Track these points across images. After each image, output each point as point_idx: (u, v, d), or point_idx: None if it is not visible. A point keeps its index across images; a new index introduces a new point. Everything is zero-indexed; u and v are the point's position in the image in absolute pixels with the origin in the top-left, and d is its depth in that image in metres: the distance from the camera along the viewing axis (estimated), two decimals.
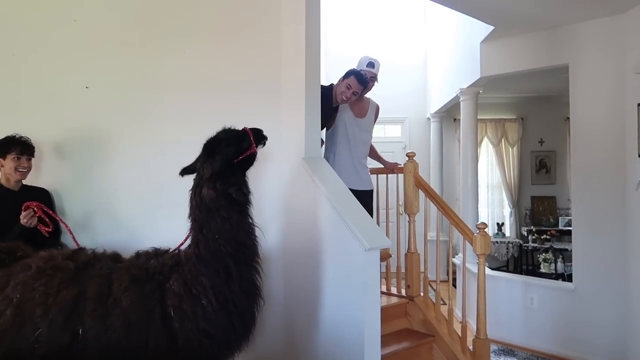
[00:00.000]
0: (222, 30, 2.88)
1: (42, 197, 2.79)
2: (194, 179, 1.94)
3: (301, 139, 2.70)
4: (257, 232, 2.00)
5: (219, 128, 2.04)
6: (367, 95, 3.63)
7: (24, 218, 2.52)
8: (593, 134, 4.17)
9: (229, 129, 2.00)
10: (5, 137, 2.70)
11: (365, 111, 3.58)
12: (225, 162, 1.90)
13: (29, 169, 2.76)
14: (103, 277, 1.84)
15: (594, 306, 4.09)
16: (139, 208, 2.87)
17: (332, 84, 3.38)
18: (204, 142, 1.97)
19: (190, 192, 1.92)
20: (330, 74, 7.57)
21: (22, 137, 2.73)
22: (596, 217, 4.12)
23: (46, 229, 2.51)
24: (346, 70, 3.34)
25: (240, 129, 2.02)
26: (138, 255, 1.99)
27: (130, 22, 2.96)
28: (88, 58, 2.97)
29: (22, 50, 3.05)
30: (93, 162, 2.98)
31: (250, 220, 1.97)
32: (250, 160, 2.02)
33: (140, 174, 2.89)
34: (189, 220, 1.91)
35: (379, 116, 3.68)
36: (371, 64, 3.53)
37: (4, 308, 1.84)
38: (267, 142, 2.70)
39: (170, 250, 2.00)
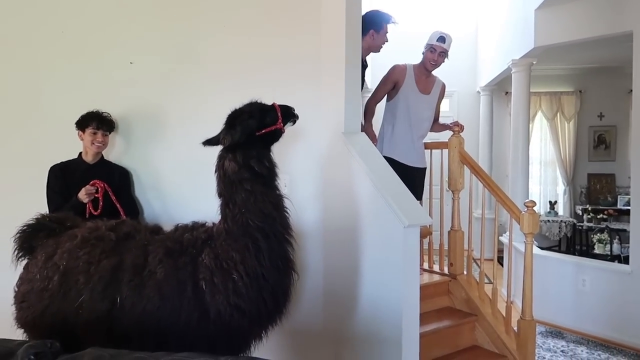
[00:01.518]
0: (262, 6, 2.83)
1: (118, 175, 2.91)
2: (219, 152, 1.93)
3: (341, 114, 2.64)
4: (288, 205, 1.97)
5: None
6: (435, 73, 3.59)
7: (83, 193, 2.64)
8: None
9: (255, 102, 1.97)
10: (88, 112, 2.83)
11: (431, 88, 3.54)
12: (246, 134, 1.86)
13: (105, 144, 2.88)
14: (140, 249, 1.88)
15: None
16: (190, 182, 2.91)
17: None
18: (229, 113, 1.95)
19: (215, 165, 1.91)
20: None
21: (101, 112, 2.84)
22: None
23: (94, 212, 2.62)
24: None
25: (270, 104, 1.98)
26: (176, 228, 2.02)
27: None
28: (130, 33, 3.01)
29: (69, 28, 3.12)
30: (142, 137, 3.04)
31: (278, 192, 1.93)
32: (276, 136, 1.98)
33: (190, 148, 2.92)
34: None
35: None
36: (442, 39, 3.45)
37: (52, 274, 1.94)
38: (305, 118, 2.69)
39: (206, 224, 2.01)
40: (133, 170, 3.03)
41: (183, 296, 1.81)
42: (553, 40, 4.57)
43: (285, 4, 2.77)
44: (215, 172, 1.91)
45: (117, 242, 1.92)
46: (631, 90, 4.09)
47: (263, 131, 1.91)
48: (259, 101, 1.98)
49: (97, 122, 2.80)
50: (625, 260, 4.71)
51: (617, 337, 4.03)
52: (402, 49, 4.28)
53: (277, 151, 2.69)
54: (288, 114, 2.00)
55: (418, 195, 3.49)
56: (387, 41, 3.32)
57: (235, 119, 1.90)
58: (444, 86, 3.61)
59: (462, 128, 3.46)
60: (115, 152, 3.06)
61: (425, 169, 3.53)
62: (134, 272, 1.84)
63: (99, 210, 2.64)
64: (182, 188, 2.92)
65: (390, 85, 3.49)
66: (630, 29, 4.00)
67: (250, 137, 1.88)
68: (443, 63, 3.51)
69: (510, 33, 5.54)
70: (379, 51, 3.35)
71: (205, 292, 1.81)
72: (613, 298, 4.09)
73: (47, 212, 2.48)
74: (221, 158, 1.90)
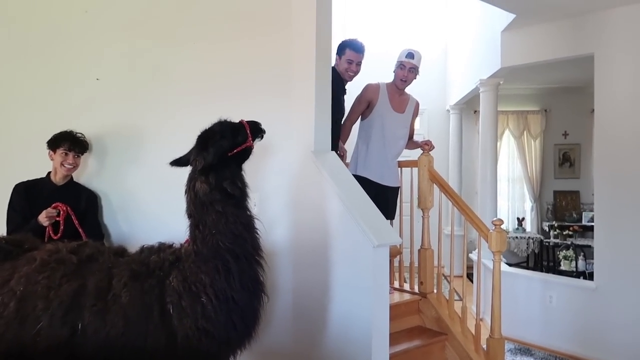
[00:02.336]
0: (233, 23, 2.83)
1: (86, 199, 2.82)
2: (189, 173, 1.90)
3: (311, 132, 2.64)
4: (259, 226, 1.95)
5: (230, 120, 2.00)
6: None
7: (44, 216, 2.55)
8: (618, 127, 4.01)
9: (225, 121, 1.95)
10: (61, 132, 2.74)
11: (405, 106, 3.55)
12: (219, 156, 1.84)
13: (76, 166, 2.79)
14: (104, 272, 1.82)
15: (615, 306, 3.95)
16: (162, 203, 2.84)
17: (333, 67, 3.27)
18: (198, 134, 1.92)
19: (185, 186, 1.88)
20: None
21: (75, 133, 2.76)
22: (619, 213, 3.97)
23: (54, 235, 2.53)
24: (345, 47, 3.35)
25: (238, 121, 1.96)
26: (142, 250, 1.97)
27: (139, 14, 2.93)
28: (98, 50, 2.97)
29: (33, 43, 3.06)
30: (113, 156, 2.98)
31: (249, 213, 1.92)
32: (246, 153, 1.96)
33: (161, 168, 2.87)
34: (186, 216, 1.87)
35: None
36: (410, 55, 3.47)
37: (8, 300, 1.85)
38: (275, 136, 2.69)
39: (174, 245, 1.97)
40: (103, 191, 2.96)
41: (149, 321, 1.76)
42: (518, 61, 4.71)
43: (255, 21, 2.78)
44: (186, 193, 1.88)
45: (79, 265, 1.86)
46: (593, 110, 4.24)
47: (235, 151, 1.89)
48: (227, 120, 1.96)
49: (69, 143, 2.72)
50: (590, 276, 4.83)
51: (584, 353, 4.11)
52: (373, 70, 4.31)
53: (247, 169, 2.69)
54: (256, 130, 1.99)
55: (391, 214, 3.51)
56: (350, 68, 3.28)
57: (207, 140, 1.87)
58: (417, 104, 3.64)
59: (431, 147, 3.51)
60: (86, 173, 2.98)
61: (398, 188, 3.57)
62: (97, 297, 1.78)
63: (59, 234, 2.55)
64: (153, 209, 2.86)
65: (365, 104, 3.51)
66: (592, 52, 4.16)
67: (223, 157, 1.86)
68: (414, 80, 3.52)
69: (478, 54, 5.69)
70: (349, 79, 3.35)
71: (173, 316, 1.77)
72: (579, 314, 4.17)
73: (5, 233, 2.39)
74: (192, 179, 1.87)
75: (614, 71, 4.03)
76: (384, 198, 3.37)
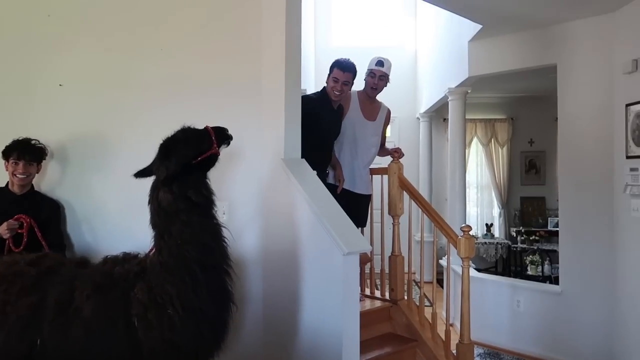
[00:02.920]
0: (202, 29, 2.79)
1: (47, 209, 2.70)
2: (152, 183, 1.86)
3: (281, 140, 2.63)
4: (227, 234, 1.92)
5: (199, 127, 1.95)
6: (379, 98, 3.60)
7: (4, 228, 2.45)
8: (581, 134, 4.13)
9: (188, 127, 1.90)
10: (13, 141, 2.62)
11: (376, 114, 3.54)
12: (182, 164, 1.80)
13: (29, 174, 2.65)
14: (65, 285, 1.76)
15: (580, 309, 4.05)
16: (128, 213, 2.75)
17: (324, 87, 3.30)
18: (161, 142, 1.88)
19: (148, 196, 1.83)
20: (319, 73, 7.52)
21: (28, 141, 2.63)
22: (583, 218, 4.08)
23: (15, 248, 2.43)
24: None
25: (203, 127, 1.93)
26: (105, 261, 1.91)
27: (104, 17, 2.87)
28: (61, 55, 2.88)
29: None
30: (77, 165, 2.88)
31: (215, 222, 1.88)
32: (212, 161, 1.93)
33: (127, 178, 2.79)
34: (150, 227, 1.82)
35: None
36: (380, 62, 3.47)
37: None
38: (245, 143, 2.66)
39: (139, 255, 1.92)
40: (66, 200, 2.86)
41: (113, 334, 1.71)
42: (485, 71, 4.81)
43: (224, 28, 2.76)
44: (149, 203, 1.83)
45: (38, 277, 1.79)
46: (557, 118, 4.36)
47: (199, 158, 1.85)
48: (191, 126, 1.92)
49: (17, 152, 2.59)
50: (555, 280, 4.94)
51: (551, 356, 4.19)
52: None
53: (216, 177, 2.65)
54: (222, 136, 1.95)
55: (363, 221, 3.51)
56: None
57: (169, 148, 1.83)
58: (389, 112, 3.64)
59: (401, 154, 3.54)
60: (48, 181, 2.88)
61: (370, 195, 3.56)
62: (58, 311, 1.72)
63: (20, 247, 2.44)
64: (118, 218, 2.77)
65: None
66: (555, 62, 4.29)
67: (186, 165, 1.82)
68: (385, 87, 3.52)
69: (447, 63, 5.79)
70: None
71: (138, 329, 1.72)
72: (545, 318, 4.26)
73: None
74: (155, 189, 1.82)
75: (576, 81, 4.16)
76: (356, 206, 3.37)
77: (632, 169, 3.60)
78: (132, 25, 2.84)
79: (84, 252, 2.74)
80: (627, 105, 3.68)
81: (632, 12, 3.68)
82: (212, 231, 1.83)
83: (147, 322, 1.70)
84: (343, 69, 3.19)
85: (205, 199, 1.84)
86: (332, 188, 3.06)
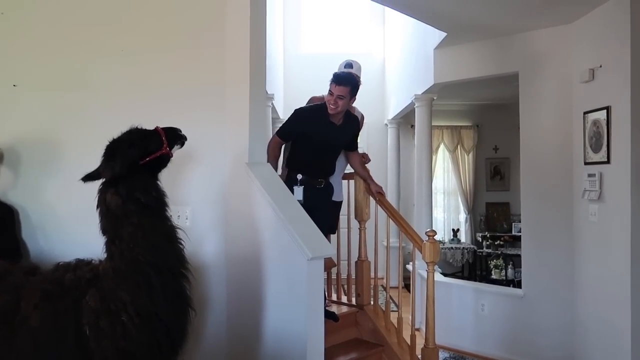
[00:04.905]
0: (163, 31, 2.73)
1: (1, 214, 2.57)
2: (99, 186, 1.79)
3: (245, 144, 2.59)
4: (186, 238, 1.86)
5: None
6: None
7: None
8: (541, 142, 4.24)
9: (135, 128, 1.86)
10: None
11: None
12: (127, 165, 1.75)
13: None
14: (11, 293, 1.67)
15: (541, 312, 4.13)
16: (85, 219, 2.65)
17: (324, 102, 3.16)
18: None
19: (96, 200, 1.77)
20: (288, 78, 7.51)
21: None
22: (544, 224, 4.18)
23: None
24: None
25: (153, 128, 1.88)
26: (56, 267, 1.83)
27: (61, 16, 2.77)
28: (15, 54, 2.77)
29: None
30: (32, 169, 2.75)
31: (169, 224, 1.83)
32: (163, 162, 1.88)
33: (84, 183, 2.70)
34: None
35: None
36: (349, 65, 3.42)
37: None
38: (207, 147, 2.61)
39: (93, 261, 1.84)
40: (21, 206, 2.73)
41: (63, 345, 1.63)
42: (450, 78, 4.89)
43: (187, 28, 2.70)
44: (97, 207, 1.76)
45: None
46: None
47: (147, 159, 1.79)
48: (139, 127, 1.87)
49: None
50: (519, 284, 5.04)
51: (514, 358, 4.26)
52: (313, 86, 4.32)
53: (178, 182, 2.59)
54: (174, 137, 1.91)
55: (333, 228, 3.47)
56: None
57: (114, 149, 1.78)
58: (362, 118, 3.57)
59: (368, 159, 3.53)
60: (0, 186, 2.75)
61: (341, 202, 3.52)
62: (3, 320, 1.63)
63: None
64: (74, 224, 2.66)
65: None
66: (516, 70, 4.39)
67: (133, 166, 1.76)
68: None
69: (413, 70, 5.86)
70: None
71: (90, 338, 1.65)
72: (508, 321, 4.33)
73: None
74: (102, 192, 1.76)
75: (537, 89, 4.26)
76: (334, 213, 3.35)
77: (589, 175, 3.71)
78: (90, 26, 2.75)
79: (39, 259, 2.62)
80: (585, 113, 3.79)
81: (589, 24, 3.80)
82: (165, 233, 1.77)
83: (99, 330, 1.63)
84: (337, 82, 3.01)
85: (155, 200, 1.78)
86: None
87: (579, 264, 3.91)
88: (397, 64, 6.98)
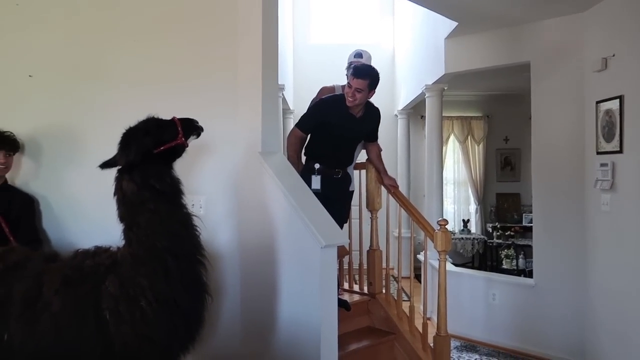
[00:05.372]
0: (177, 20, 2.75)
1: (20, 203, 2.62)
2: (115, 173, 1.82)
3: (258, 133, 2.61)
4: (200, 225, 1.88)
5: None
6: None
7: None
8: (553, 131, 4.21)
9: (152, 117, 1.88)
10: None
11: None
12: (142, 153, 1.77)
13: (7, 165, 2.59)
14: (33, 279, 1.71)
15: (553, 302, 4.13)
16: (107, 207, 2.69)
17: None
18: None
19: (113, 187, 1.80)
20: (298, 69, 7.51)
21: (3, 131, 2.56)
22: (556, 213, 4.16)
23: None
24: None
25: (170, 118, 1.90)
26: (75, 254, 1.86)
27: (76, 7, 2.80)
28: (31, 45, 2.80)
29: None
30: (52, 158, 2.80)
31: (185, 211, 1.85)
32: (177, 151, 1.90)
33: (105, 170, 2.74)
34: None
35: None
36: (359, 54, 3.42)
37: None
38: (221, 137, 2.63)
39: (111, 248, 1.87)
40: (41, 195, 2.77)
41: (84, 329, 1.66)
42: (461, 68, 4.87)
43: (199, 17, 2.72)
44: (114, 195, 1.79)
45: (4, 272, 1.73)
46: (531, 117, 4.44)
47: (162, 148, 1.82)
48: (156, 116, 1.89)
49: None
50: (530, 274, 5.03)
51: (524, 348, 4.27)
52: (322, 77, 4.32)
53: (192, 171, 2.61)
54: (190, 127, 1.93)
55: (345, 218, 3.48)
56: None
57: (130, 137, 1.81)
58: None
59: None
60: (22, 175, 2.79)
61: (352, 192, 3.53)
62: (25, 306, 1.66)
63: None
64: (94, 212, 2.69)
65: None
66: (528, 60, 4.36)
67: (148, 155, 1.79)
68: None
69: (424, 60, 5.84)
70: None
71: (110, 324, 1.68)
72: (519, 310, 4.34)
73: None
74: (118, 180, 1.79)
75: (548, 79, 4.23)
76: (346, 202, 3.37)
77: (602, 165, 3.69)
78: (105, 16, 2.77)
79: (60, 247, 2.67)
80: (597, 102, 3.76)
81: (601, 12, 3.76)
82: (181, 220, 1.80)
83: (118, 315, 1.66)
84: (356, 74, 2.97)
85: (169, 187, 1.80)
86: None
87: (590, 253, 3.90)
88: (407, 55, 6.95)
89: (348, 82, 3.04)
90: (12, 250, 1.88)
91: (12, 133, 2.60)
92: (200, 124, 2.02)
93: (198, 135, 1.97)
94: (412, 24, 6.56)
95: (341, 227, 3.19)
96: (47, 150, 2.81)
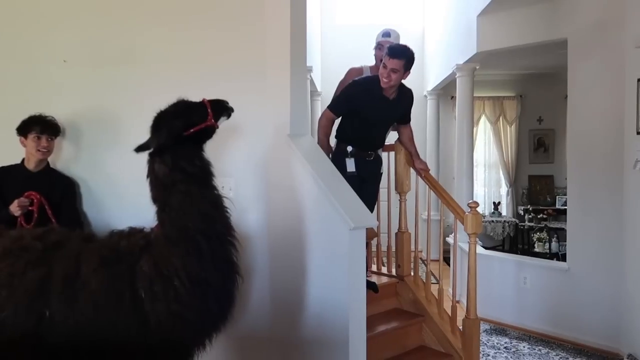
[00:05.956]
0: (206, 4, 2.75)
1: (62, 186, 2.71)
2: (148, 157, 1.85)
3: (286, 115, 2.61)
4: (229, 205, 1.90)
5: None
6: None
7: (15, 205, 2.46)
8: (591, 111, 4.06)
9: (181, 100, 1.90)
10: (29, 117, 2.63)
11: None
12: (173, 135, 1.79)
13: (50, 150, 2.68)
14: (72, 259, 1.77)
15: (587, 286, 4.04)
16: (143, 185, 2.76)
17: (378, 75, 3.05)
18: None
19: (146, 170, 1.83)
20: (325, 50, 7.44)
21: (45, 116, 2.65)
22: (592, 196, 4.04)
23: (26, 225, 2.44)
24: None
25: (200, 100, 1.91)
26: (111, 235, 1.92)
27: None
28: (65, 32, 2.86)
29: None
30: (91, 142, 2.87)
31: (216, 192, 1.87)
32: (207, 133, 1.91)
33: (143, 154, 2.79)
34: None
35: None
36: (387, 34, 3.36)
37: None
38: (250, 119, 2.64)
39: (144, 229, 1.92)
40: (82, 178, 2.86)
41: (120, 307, 1.72)
42: (494, 46, 4.73)
43: (227, 3, 2.71)
44: (147, 177, 1.83)
45: (45, 251, 1.80)
46: (567, 96, 4.29)
47: (192, 130, 1.83)
48: (185, 99, 1.91)
49: (40, 127, 2.61)
50: (563, 257, 4.93)
51: (556, 332, 4.20)
52: (350, 59, 4.27)
53: (221, 154, 2.64)
54: (220, 109, 1.93)
55: (374, 199, 3.46)
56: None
57: (160, 120, 1.84)
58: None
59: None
60: (63, 159, 2.88)
61: (382, 174, 3.51)
62: (65, 284, 1.73)
63: (32, 224, 2.45)
64: (133, 195, 2.74)
65: None
66: (565, 37, 4.20)
67: (179, 137, 1.81)
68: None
69: (455, 39, 5.70)
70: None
71: (145, 302, 1.73)
72: (552, 294, 4.26)
73: None
74: (150, 162, 1.82)
75: (587, 55, 4.07)
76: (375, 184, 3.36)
77: None
78: (135, 2, 2.80)
79: (99, 228, 2.75)
80: (639, 79, 3.61)
81: None
82: (212, 201, 1.82)
83: (153, 294, 1.71)
84: (391, 54, 2.90)
85: (199, 169, 1.82)
86: (349, 177, 2.83)
87: (628, 237, 3.78)
88: (437, 34, 6.79)
89: (383, 63, 2.96)
90: (51, 230, 1.95)
91: (53, 118, 2.68)
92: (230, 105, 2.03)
93: (228, 116, 1.98)
94: (442, 2, 6.40)
95: (372, 209, 3.18)
96: (85, 134, 2.89)
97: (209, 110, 1.87)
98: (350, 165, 3.06)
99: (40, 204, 2.52)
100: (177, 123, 1.81)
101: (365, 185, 3.09)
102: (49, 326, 1.68)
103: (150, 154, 1.84)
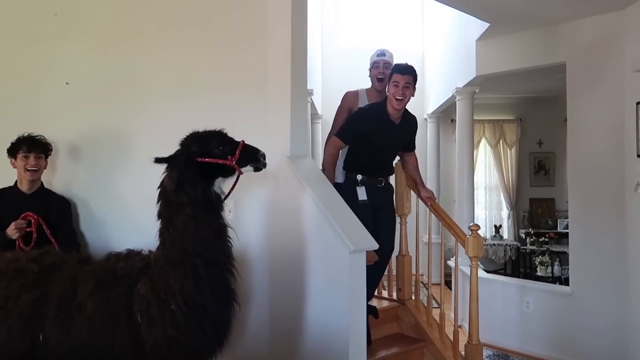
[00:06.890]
0: (207, 27, 2.79)
1: (58, 206, 2.70)
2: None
3: (286, 138, 2.62)
4: (232, 235, 1.90)
5: (203, 128, 1.95)
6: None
7: (13, 228, 2.44)
8: (590, 134, 4.07)
9: (221, 130, 1.93)
10: (17, 138, 2.63)
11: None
12: (185, 154, 1.83)
13: (40, 167, 2.66)
14: (67, 281, 1.75)
15: (591, 310, 3.98)
16: (146, 210, 2.74)
17: (385, 99, 3.07)
18: None
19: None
20: (326, 74, 7.51)
21: (33, 135, 2.65)
22: (593, 219, 4.02)
23: (24, 247, 2.41)
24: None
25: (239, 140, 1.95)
26: (108, 257, 1.90)
27: (110, 16, 2.87)
28: (67, 53, 2.89)
29: (1, 47, 2.96)
30: (89, 163, 2.89)
31: (222, 221, 1.87)
32: (224, 171, 1.89)
33: (143, 173, 2.78)
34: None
35: None
36: (381, 53, 3.38)
37: None
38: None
39: (143, 251, 1.90)
40: (83, 199, 2.86)
41: (116, 330, 1.70)
42: (493, 70, 4.77)
43: (230, 24, 2.75)
44: (158, 187, 1.84)
45: (40, 274, 1.78)
46: (566, 119, 4.30)
47: (205, 159, 1.84)
48: (225, 131, 1.94)
49: (27, 145, 2.61)
50: (565, 281, 4.87)
51: (560, 358, 4.12)
52: (350, 82, 4.30)
53: None
54: (249, 156, 1.92)
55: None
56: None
57: (187, 138, 1.89)
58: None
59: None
60: (61, 179, 2.88)
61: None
62: (60, 306, 1.70)
63: (31, 245, 2.42)
64: (133, 216, 2.75)
65: (346, 113, 3.39)
66: (564, 60, 4.24)
67: (190, 160, 1.83)
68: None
69: (454, 62, 5.75)
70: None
71: (141, 325, 1.71)
72: (555, 319, 4.20)
73: None
74: (164, 173, 1.85)
75: (586, 79, 4.10)
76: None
77: None
78: (137, 24, 2.84)
79: (98, 250, 2.73)
80: (638, 103, 3.62)
81: None
82: (217, 229, 1.82)
83: (150, 318, 1.68)
84: (401, 71, 2.96)
85: (202, 198, 1.80)
86: (361, 205, 2.91)
87: (631, 260, 3.75)
88: (437, 58, 6.86)
89: (393, 82, 2.96)
90: (47, 252, 1.92)
91: (42, 136, 2.67)
92: (229, 127, 2.01)
93: (256, 169, 1.96)
94: (441, 26, 6.48)
95: (393, 236, 3.15)
96: (86, 155, 2.90)
97: (237, 151, 1.87)
98: (362, 193, 3.02)
99: (38, 224, 2.50)
100: (194, 146, 1.84)
101: (380, 214, 3.05)
102: (43, 350, 1.66)
103: (166, 166, 1.85)
